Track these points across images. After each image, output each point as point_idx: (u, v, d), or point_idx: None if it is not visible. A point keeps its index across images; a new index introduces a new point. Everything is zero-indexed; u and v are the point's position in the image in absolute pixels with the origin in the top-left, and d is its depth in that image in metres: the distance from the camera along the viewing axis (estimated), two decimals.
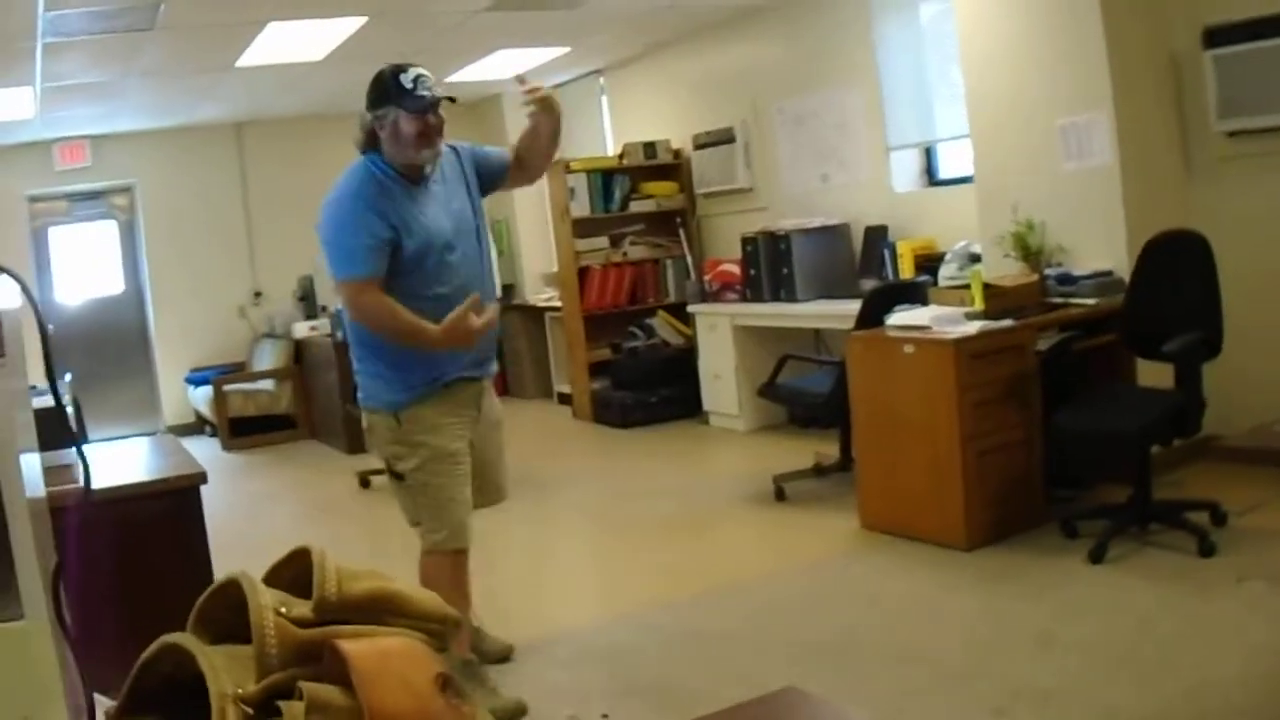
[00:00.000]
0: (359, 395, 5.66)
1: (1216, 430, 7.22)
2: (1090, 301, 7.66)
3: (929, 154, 10.52)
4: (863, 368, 7.63)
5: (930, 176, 10.53)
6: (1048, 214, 8.27)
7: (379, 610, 1.59)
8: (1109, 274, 7.79)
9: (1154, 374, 7.14)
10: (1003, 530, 7.10)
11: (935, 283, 8.62)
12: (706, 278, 11.99)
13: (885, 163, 10.48)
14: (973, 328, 7.15)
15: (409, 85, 5.19)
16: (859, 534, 7.63)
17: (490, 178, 5.76)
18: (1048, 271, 8.01)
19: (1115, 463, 7.29)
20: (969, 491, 7.00)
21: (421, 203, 5.32)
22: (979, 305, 7.38)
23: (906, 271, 9.64)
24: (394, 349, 5.32)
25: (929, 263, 9.35)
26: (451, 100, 5.31)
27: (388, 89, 5.22)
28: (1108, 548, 6.60)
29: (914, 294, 8.20)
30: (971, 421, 6.99)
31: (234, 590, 1.44)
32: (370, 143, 5.34)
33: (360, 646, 1.45)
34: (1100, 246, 8.02)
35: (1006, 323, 7.23)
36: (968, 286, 7.65)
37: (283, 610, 1.46)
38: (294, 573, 1.57)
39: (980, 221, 8.83)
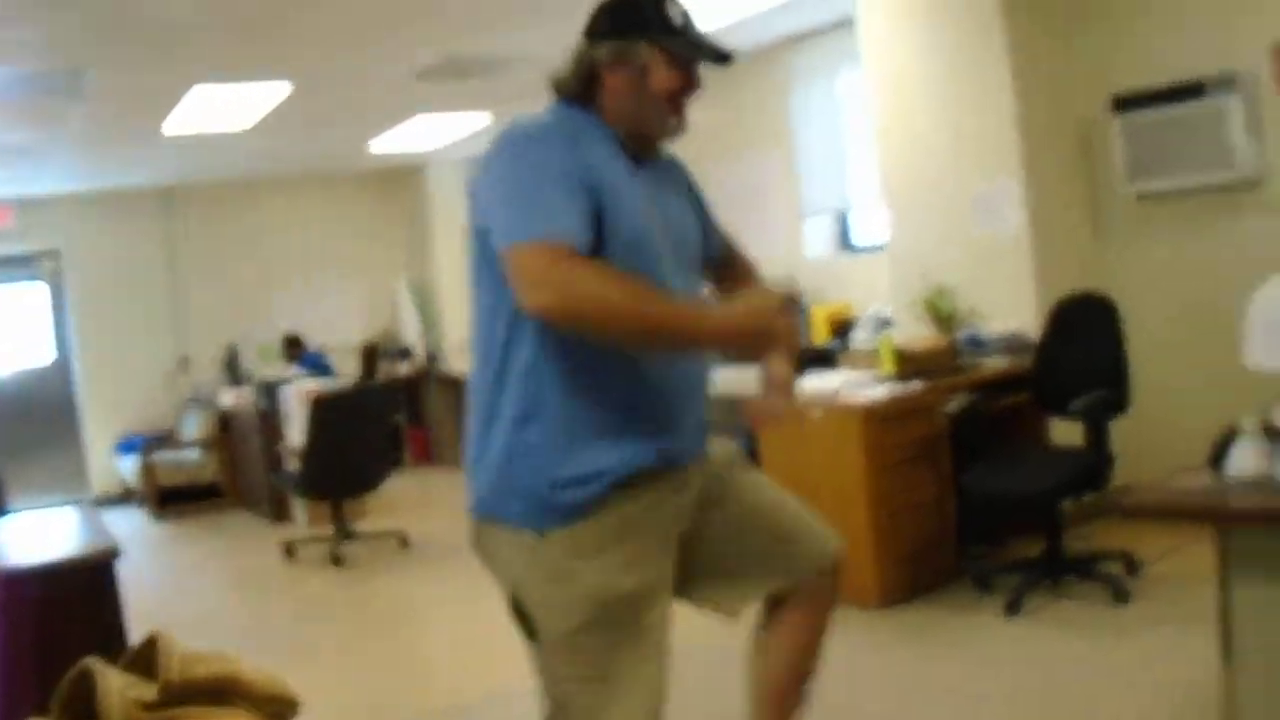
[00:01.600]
0: (478, 496, 3.37)
1: (1129, 483, 7.24)
2: (1001, 363, 7.68)
3: (843, 220, 10.53)
4: (773, 432, 7.53)
5: (844, 242, 10.54)
6: (959, 278, 8.27)
7: (221, 691, 1.52)
8: (1019, 335, 7.80)
9: (1066, 432, 7.25)
10: (917, 589, 7.06)
11: (848, 347, 8.54)
12: None
13: (800, 229, 10.45)
14: (881, 391, 7.11)
15: (678, 21, 3.36)
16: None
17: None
18: (959, 335, 7.99)
19: (1028, 518, 7.27)
20: (881, 552, 6.93)
21: (642, 191, 3.32)
22: (889, 369, 7.35)
23: (821, 337, 9.61)
24: (576, 394, 3.21)
25: (843, 328, 9.32)
26: (727, 60, 3.40)
27: (645, 15, 3.35)
28: (1022, 601, 6.61)
29: (825, 359, 8.16)
30: (882, 483, 6.92)
31: (90, 677, 1.37)
32: (582, 89, 3.38)
33: None
34: (1011, 309, 8.01)
35: (915, 385, 7.19)
36: (879, 351, 7.62)
37: (131, 694, 1.37)
38: (151, 656, 1.50)
39: (893, 286, 8.83)
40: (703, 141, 11.35)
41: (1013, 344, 7.75)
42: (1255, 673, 3.70)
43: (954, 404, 7.22)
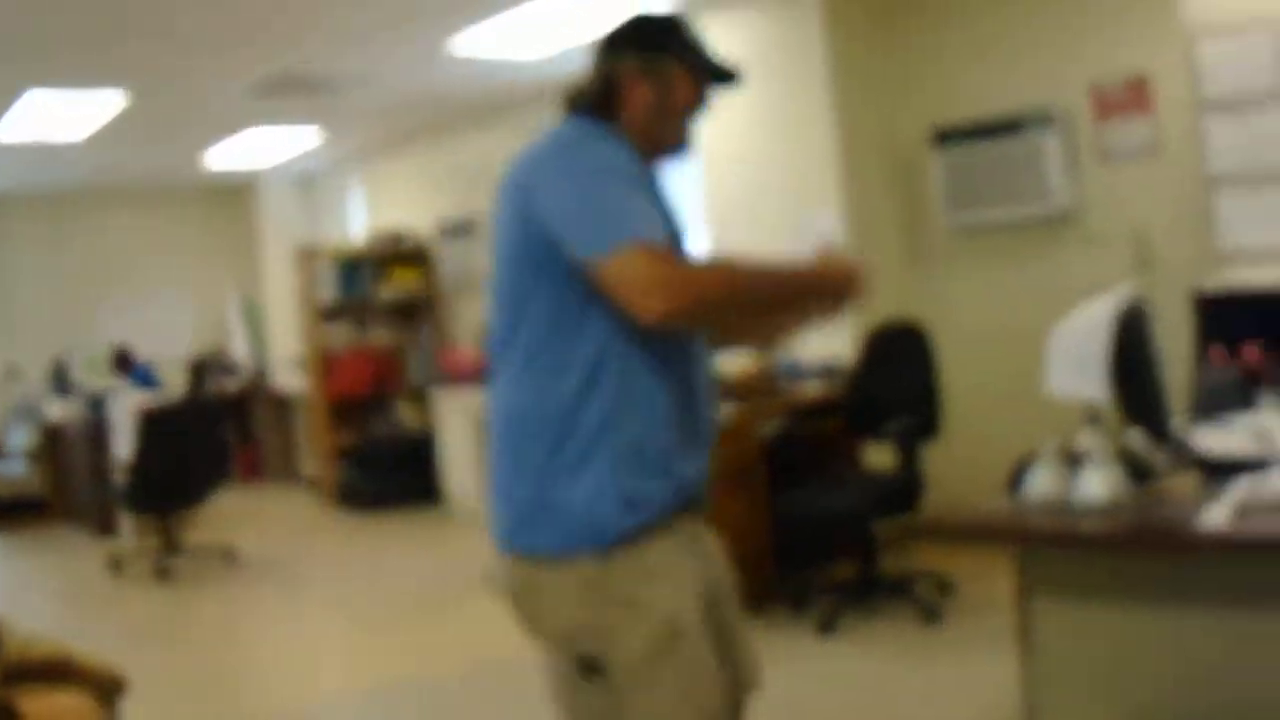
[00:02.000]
0: (510, 528, 3.07)
1: (944, 506, 7.38)
2: (817, 388, 7.82)
3: None
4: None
5: None
6: None
7: (56, 672, 1.58)
8: (835, 361, 7.94)
9: (879, 456, 7.40)
10: None
11: None
12: (447, 364, 11.94)
13: None
14: None
15: (695, 43, 3.29)
16: None
17: None
18: (776, 360, 8.06)
19: (843, 540, 7.37)
20: None
21: (661, 205, 3.18)
22: None
23: None
24: (652, 409, 3.05)
25: None
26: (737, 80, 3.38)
27: (671, 35, 3.27)
28: (837, 621, 6.75)
29: None
30: None
31: None
32: (602, 101, 3.21)
33: (37, 705, 1.45)
34: (828, 335, 7.99)
35: (732, 409, 7.22)
36: None
37: None
38: None
39: None
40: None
41: (829, 370, 7.91)
42: (1052, 689, 3.77)
43: (770, 428, 7.31)
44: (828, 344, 7.95)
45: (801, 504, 7.11)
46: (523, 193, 3.03)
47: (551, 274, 2.95)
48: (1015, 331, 7.72)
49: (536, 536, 2.99)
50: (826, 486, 7.25)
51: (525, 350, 3.00)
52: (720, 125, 8.78)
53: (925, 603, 6.80)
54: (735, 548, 6.98)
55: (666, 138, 3.28)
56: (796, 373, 8.02)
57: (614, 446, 2.97)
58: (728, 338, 3.48)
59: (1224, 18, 6.65)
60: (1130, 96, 7.61)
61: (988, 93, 8.19)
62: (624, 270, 2.80)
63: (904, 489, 6.76)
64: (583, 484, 2.95)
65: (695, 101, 3.29)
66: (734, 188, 8.92)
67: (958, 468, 7.42)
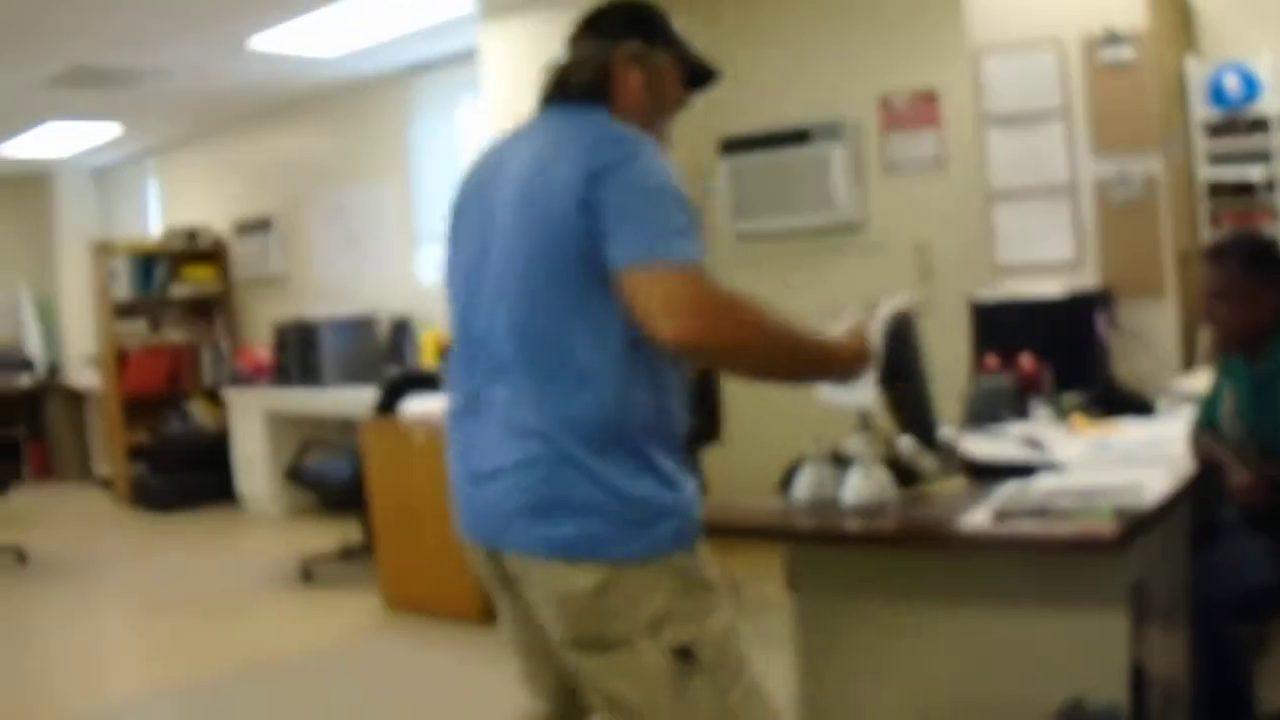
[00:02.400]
0: (569, 535, 2.76)
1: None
2: None
3: None
4: (378, 453, 7.59)
5: None
6: None
7: None
8: None
9: None
10: None
11: None
12: (240, 363, 11.74)
13: (413, 255, 10.42)
14: None
15: (681, 37, 3.24)
16: (382, 613, 7.58)
17: None
18: None
19: None
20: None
21: None
22: None
23: (429, 361, 9.62)
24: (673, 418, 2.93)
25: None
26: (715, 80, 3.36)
27: (658, 25, 3.18)
28: None
29: (429, 383, 8.11)
30: None
31: None
32: (594, 88, 3.05)
33: None
34: None
35: None
36: None
37: None
38: None
39: None
40: (318, 168, 11.36)
41: None
42: (823, 682, 3.85)
43: None
44: None
45: None
46: (588, 183, 2.77)
47: (601, 275, 2.77)
48: None
49: (627, 544, 2.75)
50: None
51: (571, 349, 2.79)
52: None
53: None
54: None
55: (655, 128, 3.12)
56: None
57: (662, 442, 2.86)
58: (731, 373, 3.31)
59: (1008, 35, 6.72)
60: (917, 110, 7.71)
61: (777, 104, 8.26)
62: (687, 283, 2.74)
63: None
64: (653, 482, 2.79)
65: (681, 100, 3.22)
66: None
67: (739, 472, 7.39)
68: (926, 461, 3.94)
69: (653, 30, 3.13)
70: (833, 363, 3.16)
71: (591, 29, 3.13)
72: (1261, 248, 4.35)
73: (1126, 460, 4.14)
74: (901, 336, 3.82)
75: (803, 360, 3.10)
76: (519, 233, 2.84)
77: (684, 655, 2.74)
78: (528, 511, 2.78)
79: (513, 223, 2.86)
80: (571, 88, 3.04)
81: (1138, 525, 3.32)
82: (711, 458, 7.08)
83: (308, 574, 8.47)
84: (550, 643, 2.92)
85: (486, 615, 6.90)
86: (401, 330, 10.30)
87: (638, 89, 3.06)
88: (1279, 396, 4.14)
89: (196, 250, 13.03)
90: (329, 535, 9.14)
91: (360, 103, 10.93)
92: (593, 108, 3.01)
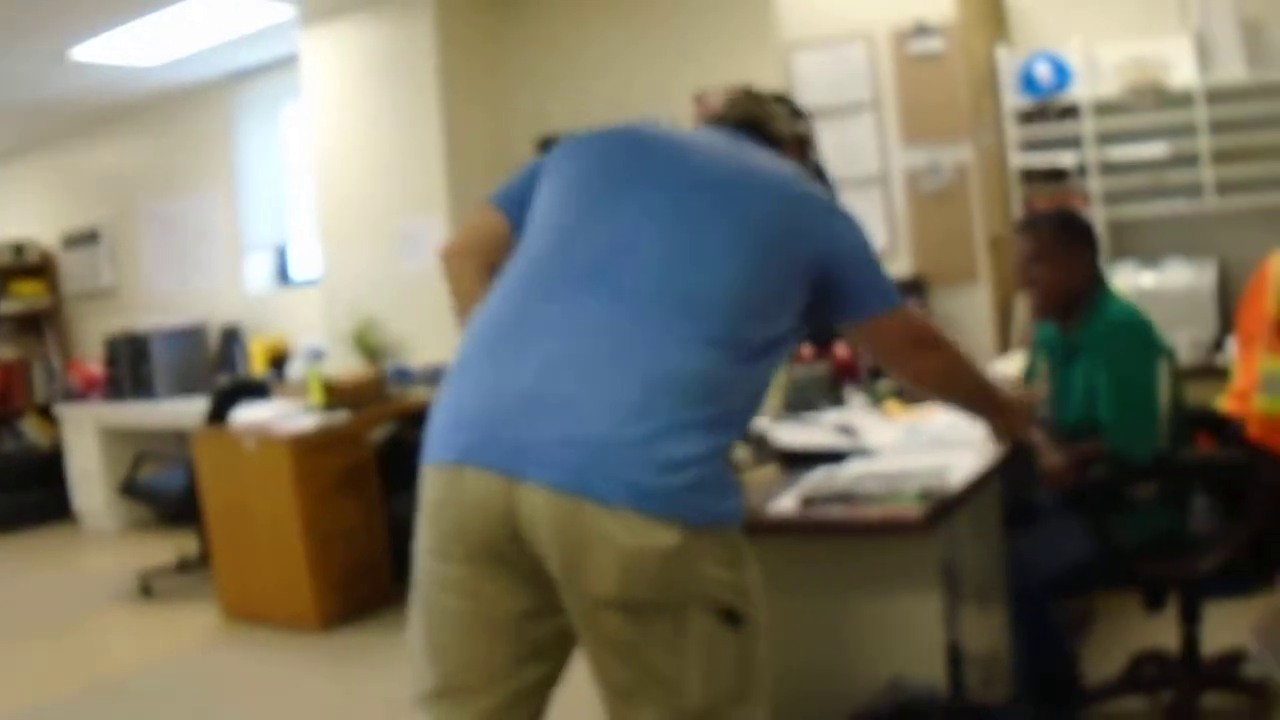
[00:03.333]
0: (659, 492, 2.61)
1: None
2: (426, 393, 7.68)
3: (283, 254, 10.45)
4: (210, 463, 7.44)
5: (283, 276, 10.45)
6: (388, 311, 8.42)
7: None
8: (443, 367, 7.73)
9: None
10: (354, 611, 7.08)
11: (284, 379, 8.46)
12: (72, 378, 11.54)
13: (240, 263, 10.31)
14: (310, 422, 7.12)
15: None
16: (220, 624, 7.42)
17: None
18: (386, 366, 8.04)
19: None
20: (316, 576, 6.94)
21: None
22: (318, 400, 7.36)
23: (259, 369, 9.50)
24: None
25: (281, 360, 9.22)
26: None
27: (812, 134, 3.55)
28: None
29: (259, 391, 8.03)
30: (313, 510, 6.94)
31: None
32: (784, 147, 3.32)
33: None
34: (436, 341, 8.12)
35: (342, 416, 7.22)
36: (310, 382, 7.59)
37: None
38: None
39: (325, 319, 8.84)
40: (144, 178, 11.21)
41: (437, 375, 7.77)
42: None
43: (381, 433, 7.21)
44: (435, 349, 7.94)
45: (412, 506, 6.92)
46: (794, 204, 2.96)
47: (798, 282, 2.91)
48: None
49: (716, 503, 2.70)
50: None
51: (720, 321, 2.77)
52: (332, 137, 8.75)
53: None
54: (351, 552, 7.00)
55: None
56: (405, 376, 7.99)
57: (742, 432, 3.04)
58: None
59: (819, 30, 6.80)
60: None
61: (596, 103, 8.27)
62: (907, 327, 3.10)
63: None
64: (730, 461, 2.86)
65: None
66: (344, 197, 8.84)
67: None
68: (739, 451, 3.95)
69: (810, 132, 3.47)
70: (1000, 412, 3.49)
71: (782, 99, 3.44)
72: (1070, 217, 4.50)
73: (937, 444, 4.16)
74: None
75: (980, 398, 3.42)
76: (733, 213, 2.87)
77: (730, 619, 2.72)
78: (624, 452, 2.61)
79: (721, 203, 2.89)
80: (771, 132, 3.28)
81: (943, 507, 3.37)
82: None
83: (146, 588, 8.32)
84: (527, 614, 2.78)
85: (325, 623, 6.91)
86: (231, 339, 10.19)
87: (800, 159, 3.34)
88: (1076, 372, 4.24)
89: (24, 265, 12.69)
90: (167, 548, 9.00)
91: (184, 111, 10.78)
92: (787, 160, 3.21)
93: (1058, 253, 4.31)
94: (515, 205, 3.12)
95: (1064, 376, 4.36)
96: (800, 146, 3.36)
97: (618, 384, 2.64)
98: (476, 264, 3.18)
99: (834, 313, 2.99)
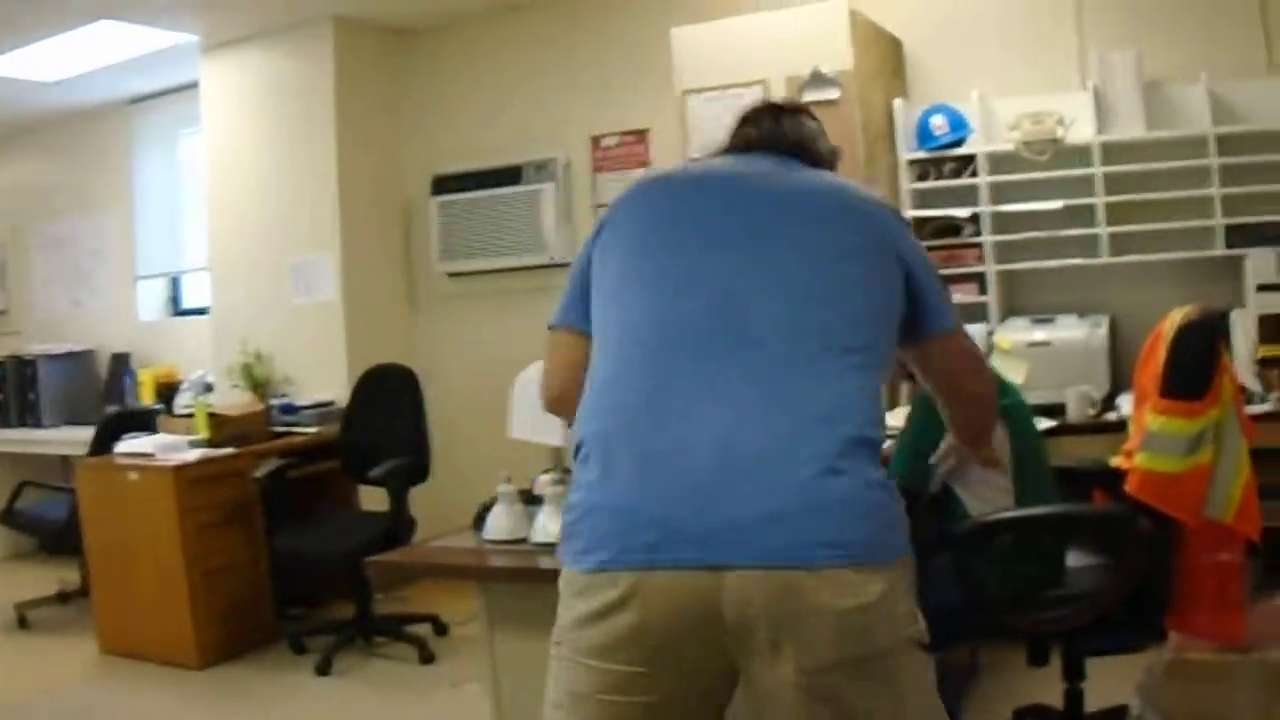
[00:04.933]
0: (862, 541, 2.53)
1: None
2: (312, 430, 7.78)
3: (176, 283, 10.38)
4: (92, 494, 7.37)
5: (175, 306, 10.40)
6: (277, 346, 8.39)
7: None
8: (331, 404, 7.95)
9: (377, 498, 7.23)
10: (234, 649, 7.02)
11: (171, 410, 8.42)
12: None
13: (133, 290, 10.25)
14: (194, 455, 7.09)
15: None
16: (99, 659, 7.32)
17: None
18: (274, 401, 8.07)
19: (337, 581, 7.30)
20: (197, 612, 6.88)
21: None
22: (204, 433, 7.33)
23: (148, 399, 9.40)
24: None
25: (170, 390, 9.16)
26: None
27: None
28: (333, 661, 6.66)
29: (146, 422, 7.99)
30: (196, 545, 6.88)
31: None
32: (823, 166, 3.25)
33: None
34: (324, 378, 8.18)
35: (227, 450, 7.19)
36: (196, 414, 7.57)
37: None
38: None
39: (214, 351, 8.80)
40: (39, 199, 11.12)
41: (324, 412, 7.87)
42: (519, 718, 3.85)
43: (265, 468, 7.20)
44: (323, 386, 7.96)
45: (296, 543, 7.07)
46: (881, 220, 2.94)
47: (894, 305, 2.88)
48: (506, 377, 7.85)
49: (901, 537, 2.64)
50: (320, 527, 7.24)
51: (862, 343, 2.74)
52: (229, 166, 8.74)
53: (421, 643, 6.81)
54: (233, 588, 6.98)
55: None
56: (292, 412, 7.97)
57: None
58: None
59: (718, 78, 6.83)
60: (628, 150, 7.88)
61: (491, 143, 8.36)
62: (970, 349, 3.13)
63: (393, 530, 6.73)
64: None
65: None
66: (237, 228, 8.79)
67: (449, 508, 7.44)
68: None
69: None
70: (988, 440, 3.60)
71: (808, 113, 3.30)
72: None
73: None
74: None
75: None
76: (833, 236, 2.84)
77: (924, 647, 2.67)
78: (823, 510, 2.51)
79: (818, 229, 2.85)
80: (812, 154, 3.16)
81: None
82: (424, 495, 7.11)
83: (23, 620, 8.22)
84: (704, 694, 2.63)
85: (205, 660, 6.87)
86: (121, 367, 10.07)
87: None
88: (914, 420, 4.30)
89: None
90: (48, 579, 8.93)
91: (82, 133, 10.68)
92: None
93: None
94: (588, 318, 2.99)
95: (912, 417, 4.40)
96: (834, 163, 3.26)
97: (793, 440, 2.54)
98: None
99: (906, 327, 2.90)
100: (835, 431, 2.55)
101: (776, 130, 3.16)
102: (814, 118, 3.29)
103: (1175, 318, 4.03)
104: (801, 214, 2.84)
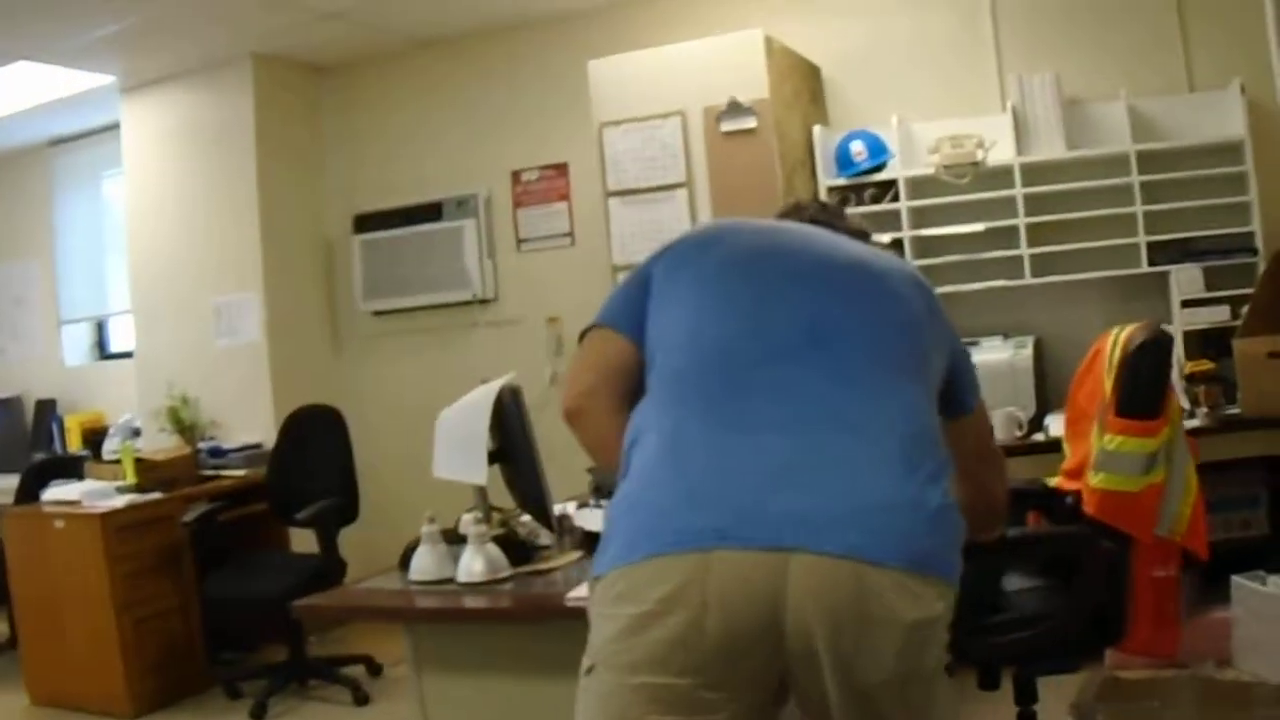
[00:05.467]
0: (933, 553, 2.52)
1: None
2: (240, 473, 7.73)
3: (102, 327, 10.29)
4: (19, 543, 7.29)
5: (102, 350, 10.31)
6: (204, 389, 8.34)
7: None
8: (259, 446, 7.90)
9: (307, 539, 7.17)
10: (168, 696, 6.97)
11: (99, 456, 8.37)
12: None
13: (58, 335, 10.17)
14: (121, 501, 7.03)
15: None
16: (28, 710, 7.23)
17: None
18: (202, 445, 8.01)
19: (270, 624, 7.27)
20: (129, 660, 6.81)
21: None
22: (131, 479, 7.28)
23: (74, 445, 9.31)
24: None
25: (97, 436, 9.09)
26: None
27: None
28: (268, 705, 6.61)
29: (73, 468, 7.93)
30: (125, 592, 6.82)
31: None
32: None
33: None
34: (251, 420, 8.15)
35: (155, 495, 7.13)
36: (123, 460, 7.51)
37: None
38: None
39: (140, 396, 8.73)
40: None
41: (252, 455, 7.82)
42: None
43: (194, 513, 7.16)
44: (250, 428, 7.94)
45: (226, 588, 7.02)
46: (926, 298, 2.97)
47: (930, 372, 2.89)
48: (432, 415, 7.85)
49: (960, 558, 2.57)
50: (250, 570, 7.17)
51: (926, 379, 2.83)
52: (151, 208, 8.70)
53: (355, 685, 6.79)
54: (164, 635, 6.94)
55: None
56: (220, 455, 7.92)
57: None
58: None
59: (636, 110, 6.86)
60: (548, 185, 7.93)
61: (411, 180, 8.40)
62: (989, 426, 3.29)
63: (323, 572, 6.70)
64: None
65: None
66: (161, 270, 8.75)
67: (378, 548, 7.42)
68: (543, 537, 4.02)
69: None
70: None
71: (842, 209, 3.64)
72: None
73: None
74: (510, 414, 3.91)
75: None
76: (885, 289, 2.86)
77: (949, 670, 2.60)
78: (904, 513, 2.48)
79: (871, 280, 2.87)
80: (856, 234, 3.30)
81: None
82: (353, 535, 7.09)
83: None
84: (752, 708, 2.48)
85: (137, 708, 6.81)
86: (48, 413, 9.97)
87: None
88: None
89: None
90: None
91: (2, 176, 10.63)
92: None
93: None
94: (638, 327, 2.86)
95: None
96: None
97: (879, 440, 2.53)
98: (611, 403, 2.83)
99: (942, 404, 2.86)
100: (921, 448, 2.57)
101: (823, 214, 3.37)
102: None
103: (1119, 336, 4.07)
104: (863, 273, 2.85)
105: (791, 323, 2.68)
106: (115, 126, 9.10)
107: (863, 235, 3.31)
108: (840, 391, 2.58)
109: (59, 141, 10.12)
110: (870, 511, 2.40)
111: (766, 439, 2.47)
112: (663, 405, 2.64)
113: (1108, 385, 4.04)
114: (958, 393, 2.97)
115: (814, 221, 3.21)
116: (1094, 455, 3.99)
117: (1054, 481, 4.36)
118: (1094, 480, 3.94)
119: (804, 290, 2.75)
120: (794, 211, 3.41)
